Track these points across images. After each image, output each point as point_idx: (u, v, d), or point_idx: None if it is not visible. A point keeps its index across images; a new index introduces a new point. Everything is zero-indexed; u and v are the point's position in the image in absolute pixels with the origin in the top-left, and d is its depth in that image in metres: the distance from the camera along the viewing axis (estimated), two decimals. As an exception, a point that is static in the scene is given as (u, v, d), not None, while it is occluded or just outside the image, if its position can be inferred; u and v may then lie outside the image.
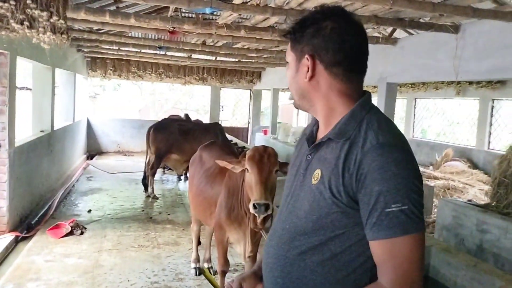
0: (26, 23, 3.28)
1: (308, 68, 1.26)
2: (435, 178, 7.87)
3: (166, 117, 9.52)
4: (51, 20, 3.36)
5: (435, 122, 12.16)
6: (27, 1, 3.22)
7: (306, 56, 1.25)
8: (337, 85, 1.26)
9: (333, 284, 1.22)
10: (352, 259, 1.21)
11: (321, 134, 1.32)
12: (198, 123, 8.77)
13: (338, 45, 1.23)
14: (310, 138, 1.37)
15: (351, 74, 1.27)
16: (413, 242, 1.12)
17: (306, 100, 1.32)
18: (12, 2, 3.17)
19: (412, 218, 1.11)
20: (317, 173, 1.24)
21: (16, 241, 4.86)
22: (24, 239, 4.96)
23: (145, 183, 7.44)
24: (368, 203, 1.13)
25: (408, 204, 1.10)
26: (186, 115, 9.28)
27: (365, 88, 1.35)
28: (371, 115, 1.23)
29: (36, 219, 5.70)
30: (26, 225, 5.31)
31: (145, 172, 7.55)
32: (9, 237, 4.75)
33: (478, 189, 7.34)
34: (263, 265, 1.40)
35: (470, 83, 8.69)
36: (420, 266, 1.13)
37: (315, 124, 1.38)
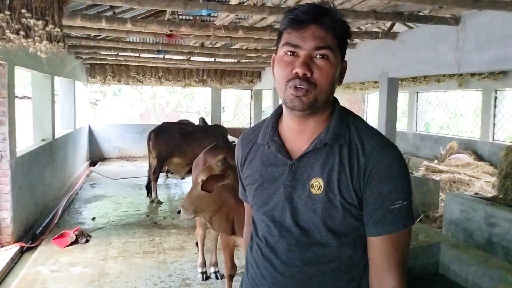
0: (22, 32, 3.25)
1: (344, 72, 1.27)
2: (440, 171, 7.80)
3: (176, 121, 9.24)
4: (47, 29, 3.32)
5: (438, 115, 12.06)
6: (22, 11, 3.19)
7: (345, 60, 1.27)
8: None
9: (349, 283, 1.27)
10: (360, 258, 1.27)
11: (297, 142, 1.27)
12: (198, 125, 8.67)
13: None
14: (281, 148, 1.29)
15: None
16: (409, 234, 1.22)
17: (327, 102, 1.24)
18: (7, 12, 3.14)
19: (409, 213, 1.21)
20: (318, 182, 1.22)
21: (21, 252, 4.83)
22: (29, 249, 4.94)
23: (149, 188, 7.41)
24: (374, 202, 1.19)
25: (407, 199, 1.20)
26: (202, 119, 9.16)
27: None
28: (351, 117, 1.28)
29: (41, 228, 5.68)
30: (30, 235, 5.29)
31: (149, 177, 7.52)
32: (14, 248, 4.73)
33: (484, 181, 7.27)
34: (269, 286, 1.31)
35: (472, 74, 8.61)
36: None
37: (275, 131, 1.32)
